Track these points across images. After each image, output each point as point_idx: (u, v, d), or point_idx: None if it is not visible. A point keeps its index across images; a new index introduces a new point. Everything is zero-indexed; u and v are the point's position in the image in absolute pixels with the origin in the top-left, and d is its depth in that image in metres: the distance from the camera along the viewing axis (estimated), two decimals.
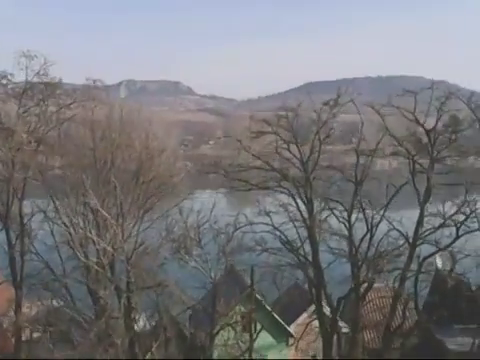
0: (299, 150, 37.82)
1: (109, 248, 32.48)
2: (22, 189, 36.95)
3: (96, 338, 35.87)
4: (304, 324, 46.38)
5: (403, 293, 37.93)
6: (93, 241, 33.79)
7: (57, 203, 34.24)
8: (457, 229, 35.32)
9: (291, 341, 48.08)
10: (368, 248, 36.89)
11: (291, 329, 47.95)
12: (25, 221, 37.74)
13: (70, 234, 34.06)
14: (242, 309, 43.65)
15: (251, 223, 37.37)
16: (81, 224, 33.32)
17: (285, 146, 38.03)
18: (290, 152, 38.14)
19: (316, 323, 44.26)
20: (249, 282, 40.16)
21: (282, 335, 48.12)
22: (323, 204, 37.99)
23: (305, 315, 47.56)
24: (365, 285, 37.91)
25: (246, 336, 42.67)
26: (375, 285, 41.25)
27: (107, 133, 36.54)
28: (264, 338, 45.55)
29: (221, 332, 41.92)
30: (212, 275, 37.41)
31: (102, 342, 35.24)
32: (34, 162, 36.15)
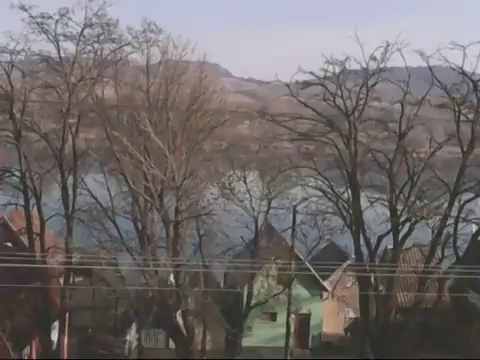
0: (344, 102, 38.68)
1: (160, 174, 33.76)
2: (77, 124, 38.20)
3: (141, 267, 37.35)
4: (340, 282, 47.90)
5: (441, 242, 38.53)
6: (144, 172, 34.98)
7: (110, 134, 35.36)
8: None
9: (325, 295, 49.41)
10: (409, 194, 37.72)
11: (325, 284, 49.19)
12: (78, 155, 38.90)
13: (119, 161, 35.15)
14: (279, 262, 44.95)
15: (296, 166, 38.33)
16: (134, 152, 34.35)
17: (331, 98, 38.90)
18: (335, 104, 38.99)
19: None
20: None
21: (316, 289, 49.44)
22: (367, 154, 38.89)
23: (340, 272, 48.80)
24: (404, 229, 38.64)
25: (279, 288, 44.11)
26: (412, 246, 42.13)
27: (161, 73, 37.66)
28: (299, 291, 46.75)
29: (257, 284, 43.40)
30: (255, 214, 38.64)
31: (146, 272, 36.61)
32: (90, 97, 37.29)
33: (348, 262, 47.96)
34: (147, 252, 36.20)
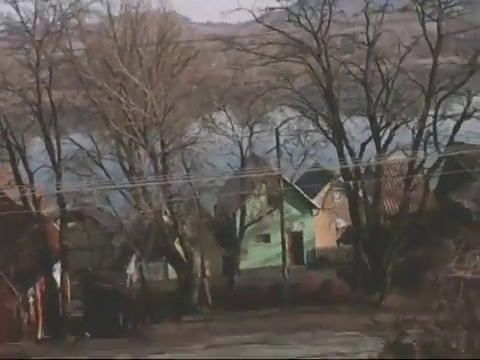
0: (309, 22, 39.01)
1: (141, 111, 34.25)
2: (49, 76, 38.28)
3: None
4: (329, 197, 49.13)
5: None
6: (125, 111, 35.40)
7: (85, 79, 35.66)
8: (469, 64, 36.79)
9: (315, 212, 50.76)
10: (386, 100, 38.57)
11: (314, 201, 50.50)
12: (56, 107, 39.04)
13: (99, 104, 35.52)
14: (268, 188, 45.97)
15: (273, 88, 38.89)
16: (111, 91, 34.73)
17: (295, 19, 39.16)
18: (300, 24, 39.24)
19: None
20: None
21: (307, 207, 50.60)
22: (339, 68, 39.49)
23: (326, 188, 50.03)
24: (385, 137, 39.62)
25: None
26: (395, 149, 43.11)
27: (124, 17, 37.83)
28: (289, 211, 47.89)
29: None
30: (239, 140, 39.39)
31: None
32: (60, 50, 37.40)
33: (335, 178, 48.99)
34: (137, 188, 36.89)
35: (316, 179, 50.79)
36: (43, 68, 37.69)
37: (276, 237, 45.17)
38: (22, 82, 39.05)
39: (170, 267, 46.55)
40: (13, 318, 38.41)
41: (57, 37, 37.18)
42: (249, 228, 46.65)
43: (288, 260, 48.49)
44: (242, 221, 44.21)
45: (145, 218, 37.73)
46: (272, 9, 38.36)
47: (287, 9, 38.36)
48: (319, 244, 51.68)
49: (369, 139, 39.47)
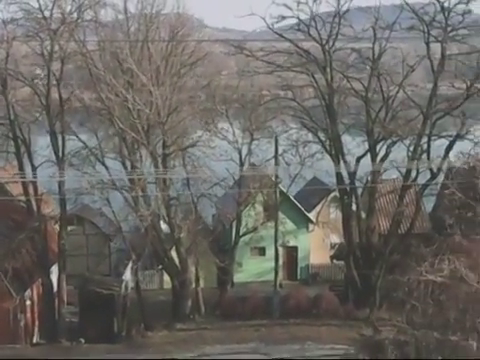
0: (318, 32, 39.96)
1: (146, 109, 35.11)
2: (61, 68, 39.02)
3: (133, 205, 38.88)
4: (324, 212, 49.83)
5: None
6: (130, 109, 36.23)
7: (95, 74, 36.53)
8: (467, 88, 37.78)
9: (311, 227, 51.18)
10: (385, 116, 39.44)
11: (311, 217, 50.98)
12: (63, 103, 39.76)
13: (106, 100, 36.33)
14: (265, 198, 46.64)
15: (276, 97, 39.80)
16: (119, 88, 35.54)
17: (305, 29, 40.14)
18: (309, 34, 40.23)
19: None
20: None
21: (303, 222, 51.05)
22: (343, 81, 40.39)
23: (325, 203, 50.64)
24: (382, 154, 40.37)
25: (270, 224, 45.75)
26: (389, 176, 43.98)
27: (139, 13, 38.74)
28: (286, 225, 48.36)
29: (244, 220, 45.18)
30: (239, 146, 40.18)
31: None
32: (73, 40, 38.20)
33: (332, 195, 49.75)
34: (138, 189, 37.58)
35: (313, 195, 51.74)
36: (55, 60, 38.35)
37: (272, 251, 45.48)
38: (33, 73, 39.78)
39: (165, 277, 47.09)
40: (10, 320, 38.22)
41: (72, 28, 37.77)
42: (245, 240, 47.28)
43: (282, 275, 49.36)
44: (238, 230, 44.80)
45: (143, 221, 38.18)
46: (284, 18, 39.03)
47: (298, 19, 39.22)
48: (313, 260, 52.24)
49: (365, 153, 40.26)
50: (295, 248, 51.51)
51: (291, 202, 49.81)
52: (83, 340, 39.73)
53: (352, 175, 40.61)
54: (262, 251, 50.74)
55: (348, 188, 40.94)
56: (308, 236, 51.54)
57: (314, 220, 50.27)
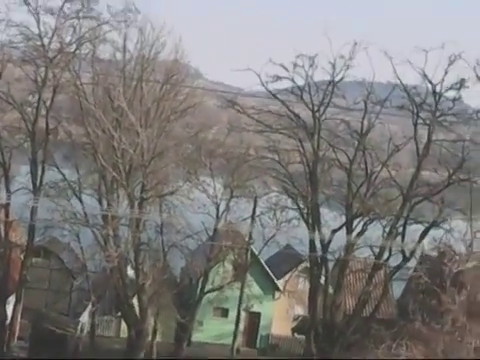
0: (311, 98, 40.31)
1: (130, 150, 35.01)
2: (52, 97, 39.08)
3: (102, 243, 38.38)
4: (292, 281, 49.55)
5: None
6: (114, 147, 36.12)
7: (84, 110, 36.61)
8: (449, 176, 38.12)
9: (277, 295, 50.58)
10: (366, 192, 39.57)
11: (279, 284, 50.45)
12: (49, 132, 39.74)
13: (92, 135, 36.31)
14: (236, 257, 46.37)
15: (261, 157, 39.94)
16: (106, 125, 35.54)
17: (298, 92, 40.45)
18: (302, 99, 40.42)
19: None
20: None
21: (270, 288, 50.55)
22: (329, 151, 40.66)
23: (295, 272, 50.38)
24: (357, 229, 40.34)
25: (236, 285, 45.30)
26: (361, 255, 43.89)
27: (137, 53, 38.96)
28: (253, 288, 47.91)
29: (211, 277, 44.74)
30: (218, 201, 40.05)
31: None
32: (66, 74, 38.46)
33: (303, 265, 49.52)
34: (109, 228, 37.17)
35: (284, 262, 51.48)
36: (48, 87, 38.48)
37: (234, 313, 44.61)
38: (24, 98, 39.81)
39: (123, 325, 46.11)
40: None
41: (69, 59, 37.96)
42: (209, 298, 46.82)
43: (241, 341, 48.62)
44: (203, 286, 44.23)
45: (110, 261, 37.62)
46: (279, 78, 39.28)
47: (293, 81, 39.42)
48: (274, 330, 51.46)
49: (341, 226, 40.23)
50: (258, 314, 50.92)
51: (261, 266, 49.48)
52: None
53: (325, 246, 40.39)
54: (225, 312, 50.19)
55: (319, 259, 40.61)
56: (273, 304, 50.96)
57: (281, 288, 49.95)
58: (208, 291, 44.63)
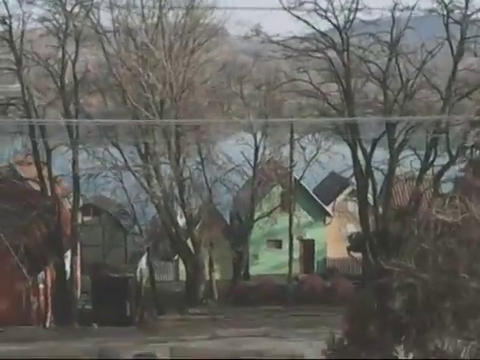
0: (335, 17, 39.48)
1: (159, 85, 34.78)
2: (76, 47, 38.88)
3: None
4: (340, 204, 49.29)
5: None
6: (143, 85, 35.87)
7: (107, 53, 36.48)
8: None
9: (328, 220, 50.48)
10: (403, 102, 38.72)
11: (328, 209, 50.35)
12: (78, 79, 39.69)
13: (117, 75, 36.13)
14: (280, 189, 46.23)
15: (293, 79, 39.26)
16: (131, 63, 35.33)
17: (322, 13, 39.63)
18: (328, 20, 39.65)
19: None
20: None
21: (320, 214, 50.32)
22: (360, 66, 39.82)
23: (342, 197, 50.14)
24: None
25: (284, 216, 45.17)
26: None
27: None
28: (302, 217, 47.86)
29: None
30: (254, 131, 39.70)
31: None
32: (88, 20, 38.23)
33: (349, 188, 49.17)
34: (150, 167, 37.26)
35: (330, 188, 51.17)
36: (70, 40, 38.36)
37: (288, 244, 44.73)
38: (48, 53, 39.77)
39: (181, 267, 46.67)
40: (22, 302, 37.62)
41: (87, 9, 37.75)
42: (262, 232, 46.81)
43: (298, 268, 48.69)
44: (252, 215, 44.22)
45: (154, 198, 37.75)
46: (302, 3, 38.37)
47: (315, 3, 38.45)
48: (330, 254, 51.51)
49: (382, 135, 39.48)
50: (312, 241, 50.75)
51: (307, 193, 49.18)
52: (96, 325, 39.23)
53: (368, 157, 39.79)
54: (278, 244, 50.02)
55: (364, 172, 40.04)
56: (325, 229, 50.78)
57: (331, 212, 49.75)
58: (257, 218, 44.33)
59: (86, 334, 37.62)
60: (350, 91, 39.27)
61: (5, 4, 38.05)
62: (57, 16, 38.75)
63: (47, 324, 40.39)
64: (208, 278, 44.28)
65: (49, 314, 40.88)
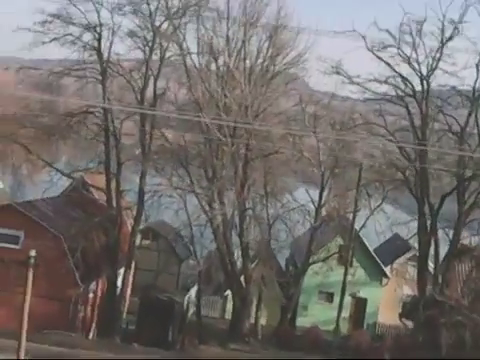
0: (418, 64, 39.17)
1: (234, 106, 35.11)
2: (159, 64, 39.29)
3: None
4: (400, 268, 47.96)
5: None
6: (218, 105, 36.29)
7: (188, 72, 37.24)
8: None
9: (385, 281, 49.06)
10: None
11: (387, 270, 48.98)
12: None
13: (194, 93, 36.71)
14: (340, 241, 45.55)
15: (367, 122, 39.12)
16: (210, 81, 35.86)
17: (405, 58, 39.26)
18: (410, 66, 39.15)
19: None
20: None
21: (377, 274, 49.05)
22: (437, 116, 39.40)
23: (402, 259, 48.84)
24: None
25: (340, 270, 44.22)
26: None
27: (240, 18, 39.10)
28: (358, 274, 46.81)
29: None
30: (322, 169, 39.50)
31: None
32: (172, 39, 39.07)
33: (411, 252, 48.01)
34: (214, 190, 37.34)
35: (392, 250, 49.97)
36: (155, 54, 39.12)
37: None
38: (132, 66, 40.69)
39: (228, 306, 46.12)
40: (70, 308, 37.44)
41: (175, 26, 38.54)
42: (314, 282, 45.95)
43: (348, 326, 47.35)
44: (307, 260, 43.49)
45: (214, 221, 37.71)
46: (385, 47, 38.41)
47: (399, 48, 38.42)
48: (381, 318, 49.76)
49: (452, 190, 38.53)
50: (364, 300, 49.36)
51: (367, 250, 48.20)
52: (136, 344, 38.92)
53: (435, 213, 38.83)
54: (330, 297, 48.87)
55: (428, 227, 39.07)
56: (380, 290, 49.32)
57: (389, 275, 48.47)
58: (312, 262, 43.55)
59: (126, 351, 37.64)
60: (425, 139, 38.62)
61: (97, 12, 38.99)
62: (145, 32, 39.62)
63: (90, 335, 40.28)
64: (254, 317, 43.52)
65: (94, 325, 40.80)
